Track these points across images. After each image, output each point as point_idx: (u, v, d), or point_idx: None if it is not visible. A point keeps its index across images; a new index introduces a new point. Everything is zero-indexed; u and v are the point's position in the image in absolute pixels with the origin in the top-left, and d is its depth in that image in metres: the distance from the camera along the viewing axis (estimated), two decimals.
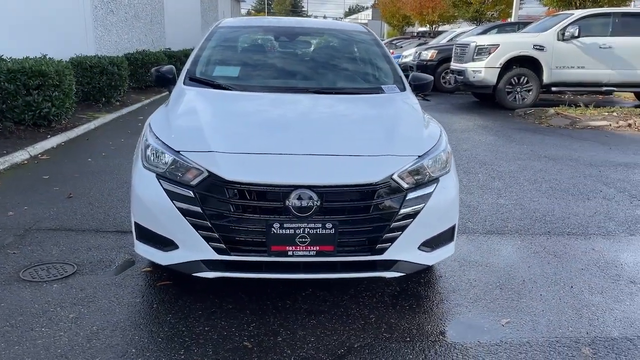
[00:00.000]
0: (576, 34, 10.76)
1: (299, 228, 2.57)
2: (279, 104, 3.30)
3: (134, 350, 2.49)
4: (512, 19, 22.11)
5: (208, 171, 2.63)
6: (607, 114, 10.06)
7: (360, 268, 2.72)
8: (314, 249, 2.60)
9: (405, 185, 2.69)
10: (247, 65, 3.86)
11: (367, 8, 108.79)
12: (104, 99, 10.04)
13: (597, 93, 12.94)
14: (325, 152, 2.73)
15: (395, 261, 2.72)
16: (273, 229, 2.56)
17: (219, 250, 2.62)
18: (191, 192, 2.64)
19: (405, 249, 2.72)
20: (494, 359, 2.49)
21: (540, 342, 2.63)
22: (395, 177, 2.68)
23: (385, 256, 2.69)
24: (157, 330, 2.66)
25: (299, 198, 2.55)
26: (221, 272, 2.68)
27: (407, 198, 2.68)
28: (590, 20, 11.06)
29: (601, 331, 2.75)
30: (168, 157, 2.76)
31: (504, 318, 2.85)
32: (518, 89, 11.05)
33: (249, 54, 4.07)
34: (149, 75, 13.17)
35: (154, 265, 3.30)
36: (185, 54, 16.44)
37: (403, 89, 3.62)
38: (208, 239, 2.62)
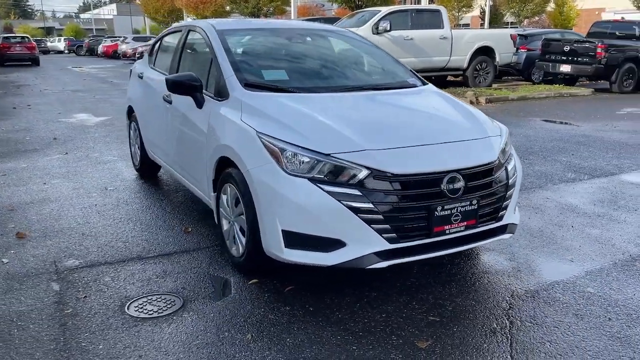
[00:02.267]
0: (388, 28, 12.39)
1: (454, 208, 2.94)
2: (359, 102, 3.51)
3: (354, 348, 2.58)
4: (293, 17, 23.63)
5: (369, 168, 2.81)
6: None
7: (488, 235, 3.19)
8: (463, 224, 3.00)
9: (503, 161, 3.25)
10: (286, 67, 3.89)
11: (107, 3, 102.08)
12: None
13: None
14: (452, 140, 3.13)
15: (506, 225, 3.27)
16: (436, 212, 2.88)
17: (390, 240, 2.83)
18: (357, 190, 2.79)
19: (510, 214, 3.29)
20: (598, 284, 3.24)
21: (608, 267, 3.48)
22: (498, 154, 3.22)
23: (502, 222, 3.22)
24: (353, 327, 2.75)
25: (451, 181, 2.92)
26: (392, 260, 2.88)
27: (508, 170, 3.24)
28: (395, 16, 12.82)
29: (627, 251, 3.72)
30: (318, 161, 2.83)
31: (565, 256, 3.64)
32: None
33: (278, 57, 4.07)
34: None
35: (259, 276, 3.26)
36: None
37: (425, 82, 4.12)
38: (380, 231, 2.81)
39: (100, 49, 38.88)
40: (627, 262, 3.55)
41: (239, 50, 3.94)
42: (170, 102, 4.28)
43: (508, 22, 43.51)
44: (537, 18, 41.01)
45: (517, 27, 19.73)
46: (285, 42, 4.23)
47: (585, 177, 5.64)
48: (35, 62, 28.47)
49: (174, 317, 2.85)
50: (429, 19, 13.30)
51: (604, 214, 4.49)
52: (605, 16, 38.67)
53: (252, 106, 3.29)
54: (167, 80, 3.73)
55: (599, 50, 13.33)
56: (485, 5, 37.58)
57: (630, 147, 7.14)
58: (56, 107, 11.17)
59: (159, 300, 3.03)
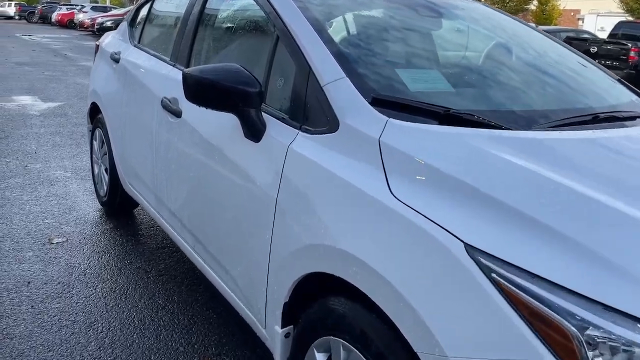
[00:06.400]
0: None
1: None
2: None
3: None
4: None
5: None
6: None
7: None
8: None
9: None
10: (437, 65, 1.95)
11: None
12: None
13: None
14: None
15: None
16: None
17: None
18: None
19: None
20: None
21: None
22: None
23: None
24: None
25: None
26: None
27: None
28: None
29: None
30: None
31: None
32: None
33: (410, 46, 2.08)
34: None
35: None
36: None
37: None
38: None
39: (54, 17, 35.60)
40: None
41: (336, 28, 1.97)
42: (177, 115, 2.29)
43: None
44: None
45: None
46: (411, 18, 2.23)
47: None
48: None
49: None
50: None
51: None
52: (588, 19, 38.02)
53: (416, 162, 1.34)
54: (185, 78, 1.75)
55: (632, 54, 11.85)
56: None
57: None
58: None
59: None
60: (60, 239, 3.18)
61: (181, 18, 2.65)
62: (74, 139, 5.56)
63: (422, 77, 1.75)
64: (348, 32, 1.92)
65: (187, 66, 2.45)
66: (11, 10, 49.52)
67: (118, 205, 3.50)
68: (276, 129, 1.74)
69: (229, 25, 2.38)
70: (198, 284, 2.76)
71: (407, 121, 1.46)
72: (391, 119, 1.46)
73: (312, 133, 1.62)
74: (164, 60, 2.67)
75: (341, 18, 2.02)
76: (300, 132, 1.65)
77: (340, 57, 1.68)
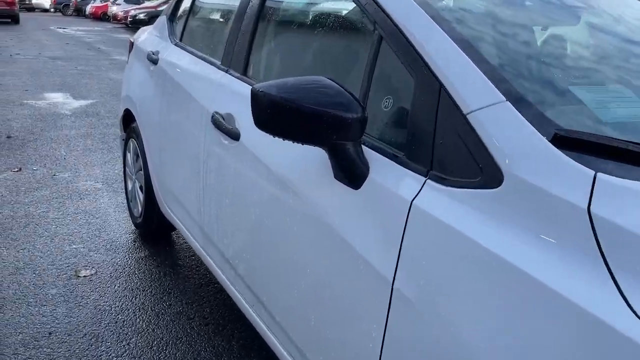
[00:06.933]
0: None
1: None
2: None
3: None
4: None
5: None
6: None
7: None
8: None
9: None
10: (621, 77, 1.38)
11: None
12: None
13: None
14: None
15: None
16: None
17: None
18: None
19: None
20: None
21: None
22: None
23: None
24: None
25: None
26: None
27: None
28: None
29: None
30: None
31: None
32: None
33: (591, 50, 1.48)
34: None
35: None
36: None
37: None
38: None
39: (88, 9, 35.79)
40: None
41: (473, 26, 1.41)
42: (233, 137, 1.77)
43: None
44: None
45: None
46: (569, 11, 1.64)
47: None
48: (14, 19, 25.41)
49: None
50: None
51: None
52: None
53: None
54: (256, 98, 1.22)
55: None
56: None
57: None
58: (24, 81, 8.51)
59: None
60: (88, 271, 2.72)
61: (235, 10, 2.13)
62: (105, 142, 5.14)
63: (608, 98, 1.19)
64: (491, 31, 1.36)
65: (244, 73, 1.93)
66: (47, 2, 50.15)
67: (154, 228, 3.03)
68: (385, 173, 1.20)
69: (301, 20, 1.85)
70: (252, 337, 2.25)
71: (620, 176, 0.90)
72: (600, 174, 0.90)
73: (449, 185, 1.07)
74: (214, 64, 2.15)
75: (476, 11, 1.45)
76: (428, 181, 1.11)
77: (491, 70, 1.13)
